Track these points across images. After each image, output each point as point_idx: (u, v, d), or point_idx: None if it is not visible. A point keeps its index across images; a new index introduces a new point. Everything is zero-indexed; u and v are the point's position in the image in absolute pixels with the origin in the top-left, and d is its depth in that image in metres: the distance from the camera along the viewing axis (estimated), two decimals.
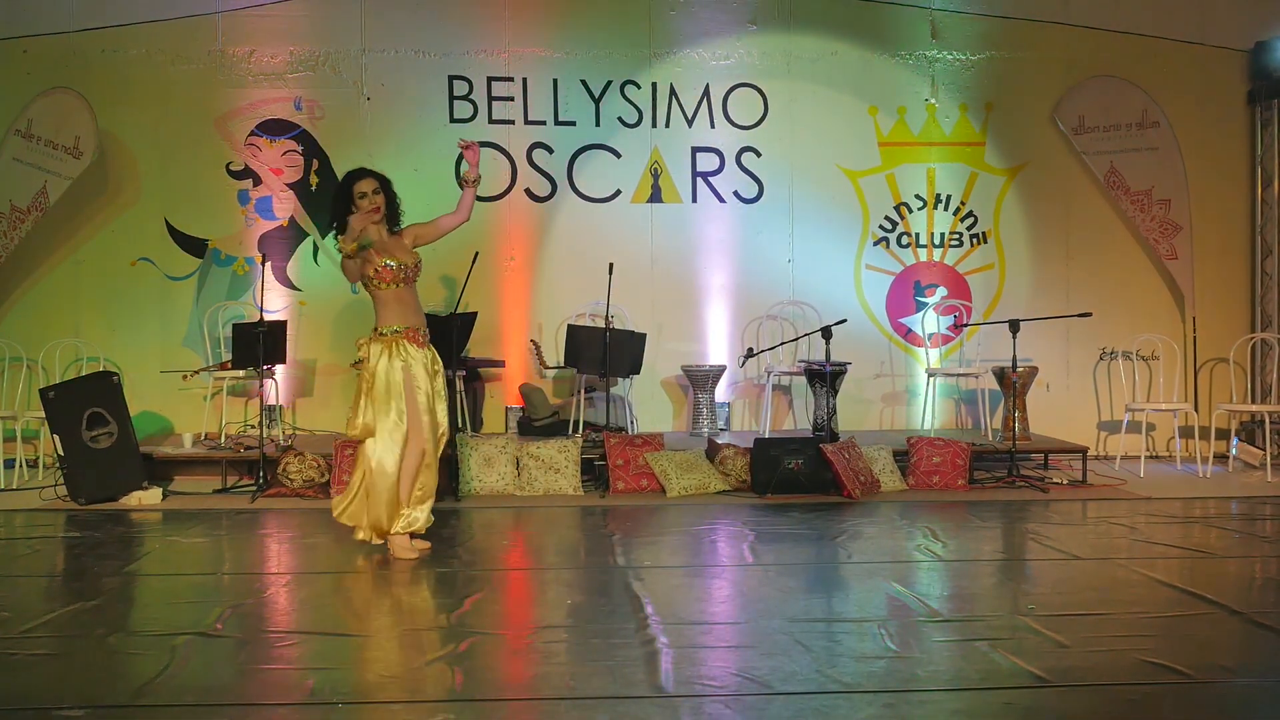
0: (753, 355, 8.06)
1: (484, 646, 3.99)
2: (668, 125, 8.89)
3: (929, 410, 8.62)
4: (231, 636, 4.09)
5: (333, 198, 5.57)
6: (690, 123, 8.90)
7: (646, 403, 8.83)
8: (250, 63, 8.68)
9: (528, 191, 8.84)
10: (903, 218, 9.05)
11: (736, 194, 8.95)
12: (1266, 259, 8.96)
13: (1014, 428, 7.94)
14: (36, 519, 6.55)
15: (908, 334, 9.04)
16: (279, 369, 8.23)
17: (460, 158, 5.66)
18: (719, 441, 7.73)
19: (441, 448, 5.52)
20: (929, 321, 8.95)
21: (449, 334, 7.49)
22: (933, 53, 8.99)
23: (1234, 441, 8.56)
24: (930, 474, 7.40)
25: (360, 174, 5.49)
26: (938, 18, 8.96)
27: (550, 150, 8.83)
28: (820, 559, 5.45)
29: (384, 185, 5.46)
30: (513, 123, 8.82)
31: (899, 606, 4.49)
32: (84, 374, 7.86)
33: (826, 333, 7.56)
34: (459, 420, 7.89)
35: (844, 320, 7.89)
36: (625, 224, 8.86)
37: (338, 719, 3.29)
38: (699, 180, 8.94)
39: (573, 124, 8.84)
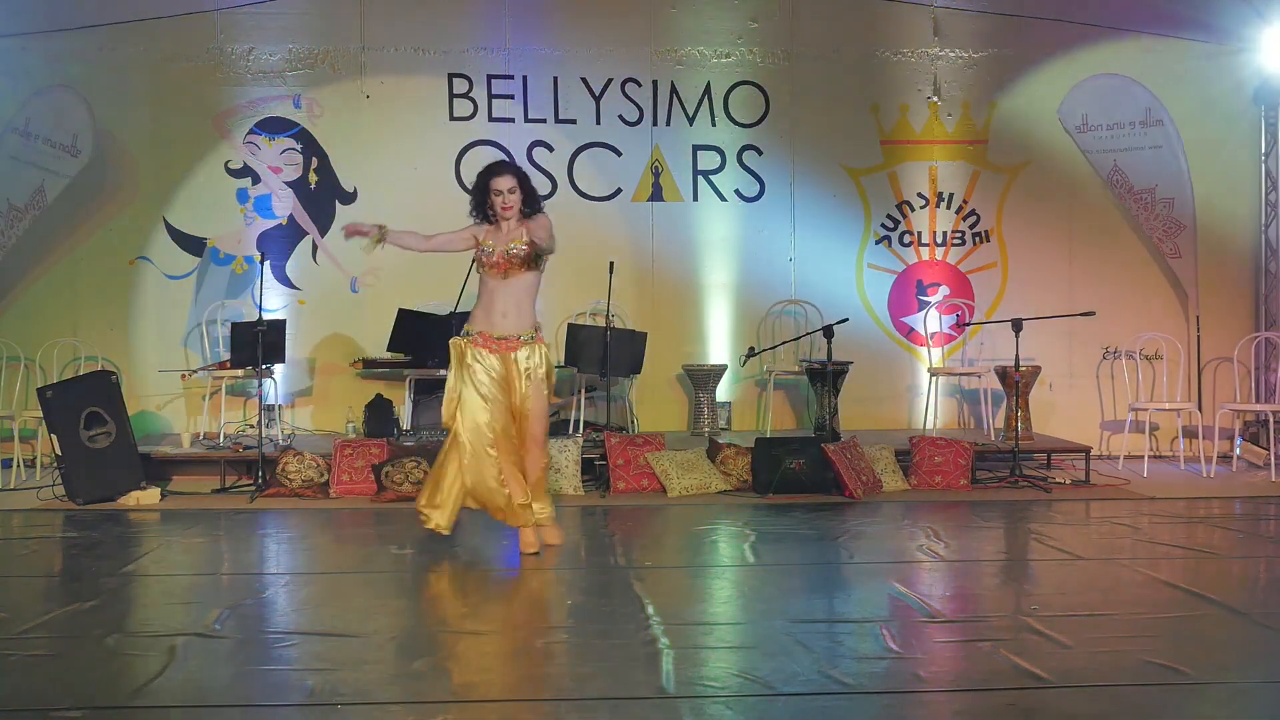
0: (754, 354, 8.04)
1: (484, 646, 3.97)
2: (668, 123, 8.86)
3: (931, 410, 8.59)
4: (230, 637, 4.07)
5: (473, 190, 5.47)
6: (691, 121, 8.88)
7: (647, 402, 8.80)
8: (249, 60, 8.65)
9: None
10: (905, 216, 9.02)
11: (738, 192, 8.93)
12: (1270, 258, 8.93)
13: (1017, 427, 7.91)
14: (34, 519, 6.53)
15: (910, 333, 9.02)
16: (278, 368, 8.20)
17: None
18: (720, 441, 7.70)
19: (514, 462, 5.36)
20: (931, 320, 8.92)
21: (448, 333, 7.46)
22: (935, 50, 8.96)
23: (1238, 441, 8.53)
24: (932, 474, 7.37)
25: (498, 169, 5.39)
26: (940, 15, 8.93)
27: (550, 148, 8.80)
28: (822, 559, 5.42)
29: (521, 182, 5.35)
30: (513, 121, 8.79)
31: (901, 607, 4.46)
32: (82, 373, 7.83)
33: (828, 332, 7.54)
34: None
35: (846, 319, 7.86)
36: (626, 222, 8.83)
37: None
38: (700, 178, 8.91)
39: (573, 122, 8.82)
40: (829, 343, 7.53)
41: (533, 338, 5.38)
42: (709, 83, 8.88)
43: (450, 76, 8.75)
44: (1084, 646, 3.85)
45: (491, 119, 8.77)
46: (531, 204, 5.36)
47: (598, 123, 8.83)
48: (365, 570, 5.24)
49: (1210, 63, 8.94)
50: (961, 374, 8.72)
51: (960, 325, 8.90)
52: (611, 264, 7.75)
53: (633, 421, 8.46)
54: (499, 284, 5.31)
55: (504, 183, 5.29)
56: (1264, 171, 8.95)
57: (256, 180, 8.67)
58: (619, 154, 8.85)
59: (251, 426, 8.09)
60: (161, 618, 4.43)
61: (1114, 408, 9.00)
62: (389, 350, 8.13)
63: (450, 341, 5.43)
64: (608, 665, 3.73)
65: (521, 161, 8.75)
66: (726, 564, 5.47)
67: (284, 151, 8.68)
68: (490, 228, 5.35)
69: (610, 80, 8.82)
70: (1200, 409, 8.66)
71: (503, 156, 8.68)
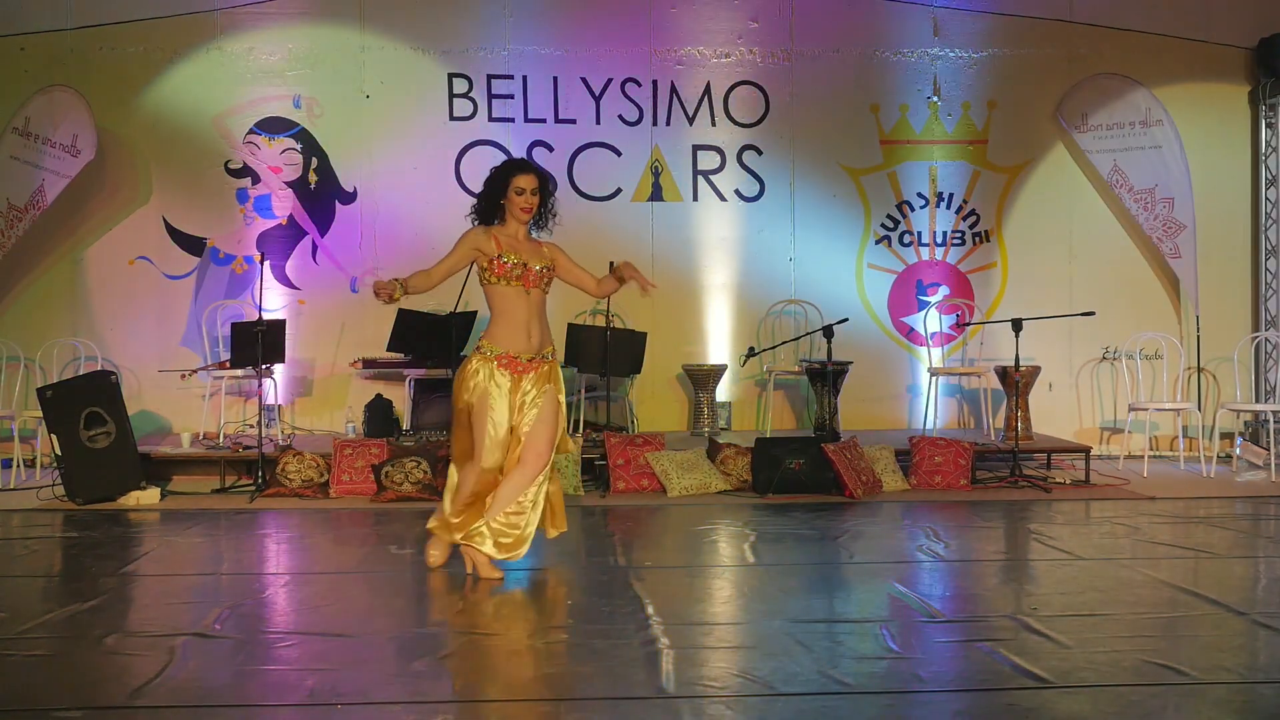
0: (754, 354, 8.03)
1: (484, 646, 3.96)
2: (668, 123, 8.86)
3: (931, 410, 8.59)
4: (230, 637, 4.06)
5: (486, 182, 4.94)
6: (691, 120, 8.88)
7: (647, 402, 8.80)
8: (249, 60, 8.65)
9: None
10: (905, 216, 9.02)
11: (738, 192, 8.93)
12: (1270, 257, 8.93)
13: (1016, 427, 7.91)
14: (34, 519, 6.53)
15: (910, 333, 9.02)
16: (278, 368, 8.20)
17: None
18: (720, 441, 7.70)
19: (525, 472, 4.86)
20: (931, 320, 8.92)
21: (448, 333, 7.48)
22: (935, 50, 8.96)
23: (1238, 441, 8.53)
24: (932, 474, 7.36)
25: (522, 166, 4.93)
26: (940, 15, 8.93)
27: (550, 148, 8.80)
28: (822, 559, 5.42)
29: (542, 186, 4.91)
30: (512, 121, 8.80)
31: (901, 607, 4.46)
32: (82, 373, 7.83)
33: (828, 332, 7.54)
34: None
35: (845, 319, 7.86)
36: (626, 222, 8.84)
37: None
38: (700, 178, 8.92)
39: (573, 122, 8.82)
40: (829, 343, 7.53)
41: (550, 356, 4.99)
42: (709, 83, 8.89)
43: (450, 76, 8.76)
44: (1083, 646, 3.85)
45: (491, 119, 8.78)
46: (543, 216, 4.98)
47: (597, 123, 8.84)
48: (365, 570, 5.23)
49: (1210, 61, 8.95)
50: (961, 374, 8.72)
51: (960, 325, 8.90)
52: (611, 264, 7.69)
53: (633, 421, 8.46)
54: (523, 300, 4.87)
55: (528, 181, 4.86)
56: (1263, 171, 8.95)
57: (256, 180, 8.67)
58: (619, 154, 8.85)
59: (251, 426, 8.08)
60: (161, 618, 4.42)
61: (1114, 408, 9.00)
62: (389, 350, 8.13)
63: (467, 362, 4.93)
64: (608, 665, 3.73)
65: None
66: (726, 564, 5.47)
67: (284, 151, 8.68)
68: (496, 234, 4.87)
69: (610, 80, 8.82)
70: (1200, 409, 8.66)
71: (501, 157, 8.71)
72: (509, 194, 4.86)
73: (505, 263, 4.82)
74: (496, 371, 4.83)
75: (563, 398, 5.00)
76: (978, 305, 8.94)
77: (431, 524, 5.06)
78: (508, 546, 4.84)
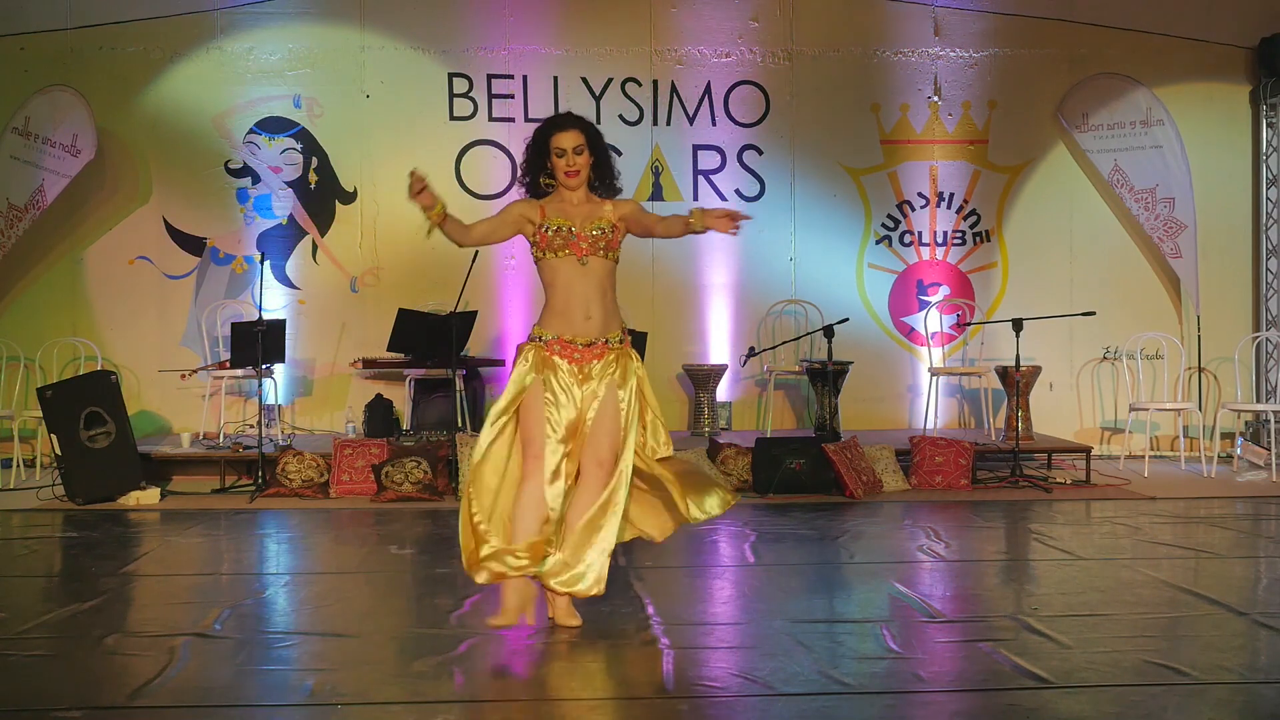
0: (754, 354, 8.03)
1: (484, 646, 3.96)
2: (669, 123, 8.86)
3: (932, 409, 8.58)
4: (230, 637, 4.06)
5: (526, 147, 4.21)
6: (691, 120, 8.88)
7: None
8: (249, 60, 8.65)
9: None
10: (905, 216, 9.02)
11: (738, 192, 8.92)
12: (1270, 257, 8.93)
13: (1017, 427, 7.90)
14: (34, 519, 6.53)
15: (910, 333, 9.01)
16: (278, 368, 8.20)
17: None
18: (720, 441, 7.70)
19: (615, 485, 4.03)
20: (932, 320, 8.91)
21: (448, 333, 7.47)
22: (936, 50, 8.95)
23: (1239, 441, 8.52)
24: (933, 474, 7.36)
25: (562, 123, 4.13)
26: (941, 15, 8.93)
27: None
28: (822, 559, 5.42)
29: (591, 141, 4.13)
30: (513, 120, 8.79)
31: (901, 607, 4.46)
32: (82, 373, 7.82)
33: (828, 332, 7.54)
34: (459, 420, 7.86)
35: (846, 319, 7.86)
36: None
37: None
38: (700, 178, 8.91)
39: None
40: (829, 343, 7.53)
41: (620, 341, 4.17)
42: (709, 82, 8.88)
43: (450, 76, 8.75)
44: (1084, 647, 3.84)
45: (491, 119, 8.77)
46: (605, 175, 4.21)
47: (598, 122, 8.80)
48: (365, 570, 5.23)
49: (1211, 61, 8.94)
50: (962, 374, 8.72)
51: (961, 325, 8.90)
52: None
53: None
54: (576, 273, 4.09)
55: (568, 139, 4.08)
56: (1264, 171, 8.94)
57: (256, 180, 8.67)
58: (619, 154, 8.74)
59: (251, 426, 8.08)
60: (161, 618, 4.42)
61: (1114, 408, 8.99)
62: (389, 350, 8.12)
63: (521, 347, 4.25)
64: (608, 665, 3.72)
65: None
66: (726, 564, 5.47)
67: (284, 151, 8.68)
68: (547, 202, 4.17)
69: (610, 80, 8.82)
70: (1200, 409, 8.66)
71: (501, 157, 8.71)
72: (551, 157, 4.13)
73: (547, 231, 4.09)
74: (552, 359, 4.09)
75: (639, 388, 4.15)
76: (978, 305, 8.93)
77: (487, 558, 3.98)
78: (569, 581, 4.00)
